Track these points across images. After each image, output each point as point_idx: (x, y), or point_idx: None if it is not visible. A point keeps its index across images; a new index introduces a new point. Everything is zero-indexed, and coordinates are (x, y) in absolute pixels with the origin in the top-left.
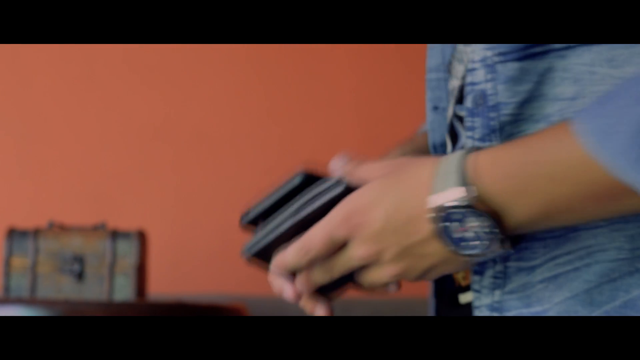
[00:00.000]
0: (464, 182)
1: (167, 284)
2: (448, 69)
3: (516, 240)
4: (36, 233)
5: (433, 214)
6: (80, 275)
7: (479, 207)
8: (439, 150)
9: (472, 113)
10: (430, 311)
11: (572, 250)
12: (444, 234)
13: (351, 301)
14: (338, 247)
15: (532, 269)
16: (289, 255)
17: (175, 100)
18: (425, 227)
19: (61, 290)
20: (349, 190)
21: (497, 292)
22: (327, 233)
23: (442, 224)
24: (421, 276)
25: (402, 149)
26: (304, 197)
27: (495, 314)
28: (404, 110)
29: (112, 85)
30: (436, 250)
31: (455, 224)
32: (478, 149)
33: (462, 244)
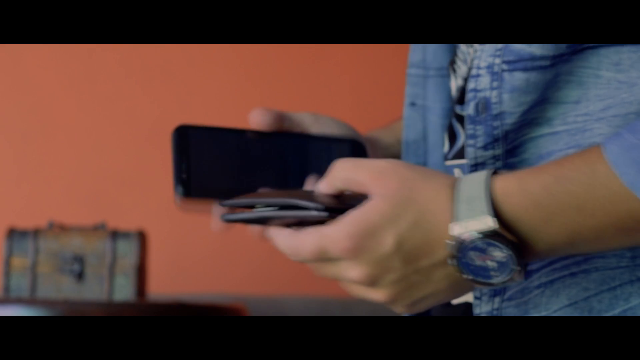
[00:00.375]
0: (491, 210)
1: (167, 284)
2: (452, 67)
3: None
4: (36, 233)
5: (454, 242)
6: (80, 275)
7: (507, 237)
8: (411, 147)
9: (473, 120)
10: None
11: (569, 256)
12: (462, 262)
13: (351, 301)
14: (329, 260)
15: (529, 273)
16: (278, 244)
17: (175, 100)
18: (440, 253)
19: (61, 290)
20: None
21: (497, 299)
22: (319, 248)
23: (463, 253)
24: (411, 305)
25: (384, 136)
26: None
27: None
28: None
29: (111, 85)
30: (445, 276)
31: (476, 253)
32: (498, 171)
33: (482, 272)
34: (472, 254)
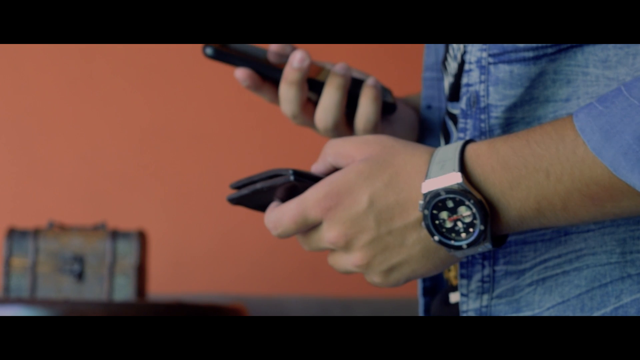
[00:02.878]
0: (461, 168)
1: (167, 284)
2: (443, 65)
3: (500, 241)
4: (36, 233)
5: (424, 200)
6: (80, 275)
7: (473, 193)
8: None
9: (465, 114)
10: (419, 310)
11: (562, 254)
12: (431, 223)
13: (351, 301)
14: (311, 226)
15: (521, 272)
16: (265, 221)
17: (175, 100)
18: (412, 214)
19: (61, 290)
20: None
21: (485, 297)
22: (299, 212)
23: (432, 211)
24: (387, 272)
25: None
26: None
27: None
28: None
29: (112, 85)
30: (418, 241)
31: (445, 213)
32: (474, 140)
33: (451, 234)
34: (443, 214)
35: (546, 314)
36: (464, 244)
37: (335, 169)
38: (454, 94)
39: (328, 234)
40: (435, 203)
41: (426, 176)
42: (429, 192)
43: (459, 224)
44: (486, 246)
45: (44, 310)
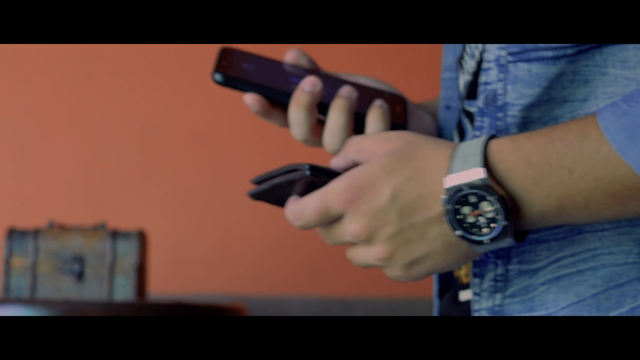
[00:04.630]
0: (485, 163)
1: (167, 284)
2: (459, 64)
3: (522, 237)
4: (36, 233)
5: (447, 194)
6: (80, 275)
7: (496, 189)
8: None
9: (482, 112)
10: (434, 312)
11: (576, 252)
12: (453, 219)
13: (351, 301)
14: (333, 219)
15: (534, 271)
16: (286, 213)
17: (175, 100)
18: (434, 208)
19: (61, 290)
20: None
21: (498, 296)
22: (322, 204)
23: (454, 206)
24: (409, 266)
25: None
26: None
27: None
28: None
29: (111, 85)
30: (440, 235)
31: (467, 208)
32: (497, 136)
33: (473, 229)
34: (465, 209)
35: (561, 313)
36: (485, 239)
37: (355, 165)
38: (471, 91)
39: (350, 227)
40: (458, 198)
41: (449, 171)
42: (452, 187)
43: (481, 219)
44: (508, 241)
45: (44, 310)
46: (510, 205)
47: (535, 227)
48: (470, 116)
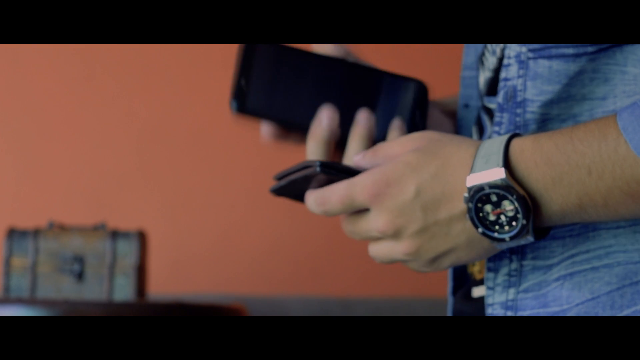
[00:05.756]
0: (505, 163)
1: (167, 284)
2: (480, 61)
3: (542, 234)
4: (36, 233)
5: (468, 193)
6: (80, 275)
7: (517, 189)
8: None
9: (501, 108)
10: (448, 310)
11: (590, 249)
12: (475, 216)
13: (351, 301)
14: (356, 209)
15: (548, 267)
16: (308, 200)
17: (175, 100)
18: (457, 205)
19: (61, 290)
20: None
21: (512, 291)
22: (348, 194)
23: (476, 204)
24: (433, 260)
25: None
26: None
27: (509, 313)
28: None
29: (111, 85)
30: (463, 231)
31: (489, 206)
32: (519, 134)
33: (495, 227)
34: (487, 207)
35: (575, 310)
36: (506, 236)
37: None
38: (492, 88)
39: (377, 222)
40: (480, 197)
41: (471, 170)
42: (473, 186)
43: (503, 217)
44: (528, 239)
45: (44, 310)
46: (530, 204)
47: (556, 224)
48: (489, 113)
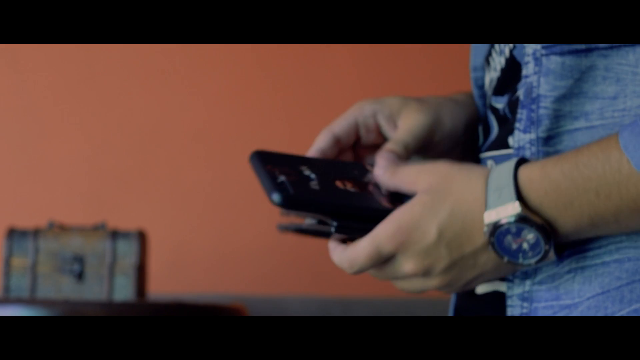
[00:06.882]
0: (518, 196)
1: (167, 284)
2: (487, 61)
3: (561, 250)
4: (36, 233)
5: (488, 229)
6: (80, 275)
7: (534, 219)
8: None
9: (522, 105)
10: (450, 306)
11: (602, 245)
12: (499, 247)
13: (351, 301)
14: (384, 259)
15: (560, 259)
16: (336, 261)
17: (175, 100)
18: (479, 239)
19: (61, 290)
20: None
21: (528, 282)
22: (374, 248)
23: (497, 237)
24: (466, 285)
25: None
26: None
27: (525, 304)
28: None
29: (111, 85)
30: (489, 260)
31: (510, 237)
32: (525, 160)
33: (519, 254)
34: (508, 238)
35: (585, 304)
36: (532, 261)
37: (392, 195)
38: (500, 88)
39: (406, 267)
40: (500, 231)
41: (486, 207)
42: (491, 223)
43: (525, 244)
44: (552, 259)
45: (44, 310)
46: (549, 230)
47: (573, 239)
48: (496, 112)
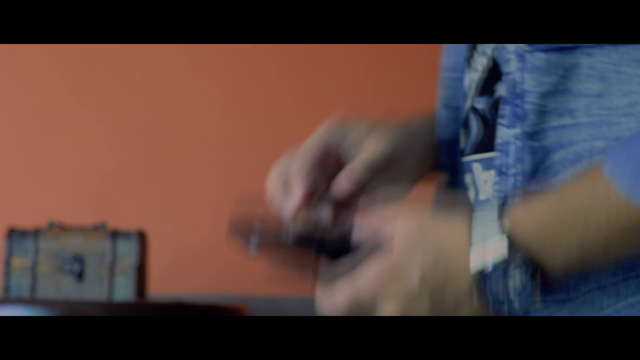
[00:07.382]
0: (504, 235)
1: (167, 284)
2: (467, 62)
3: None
4: (36, 233)
5: (475, 272)
6: (80, 275)
7: (522, 256)
8: (445, 146)
9: (504, 101)
10: None
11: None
12: (485, 292)
13: None
14: (363, 304)
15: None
16: (318, 299)
17: (175, 100)
18: (462, 288)
19: (61, 290)
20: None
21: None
22: (352, 294)
23: (484, 283)
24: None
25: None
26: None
27: None
28: (405, 110)
29: (111, 85)
30: (471, 309)
31: (497, 279)
32: (507, 203)
33: (505, 299)
34: (494, 282)
35: (581, 298)
36: (519, 306)
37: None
38: (483, 88)
39: (386, 310)
40: (487, 273)
41: (472, 260)
42: (477, 268)
43: (511, 286)
44: (537, 298)
45: (44, 310)
46: (538, 278)
47: (559, 279)
48: (478, 113)
